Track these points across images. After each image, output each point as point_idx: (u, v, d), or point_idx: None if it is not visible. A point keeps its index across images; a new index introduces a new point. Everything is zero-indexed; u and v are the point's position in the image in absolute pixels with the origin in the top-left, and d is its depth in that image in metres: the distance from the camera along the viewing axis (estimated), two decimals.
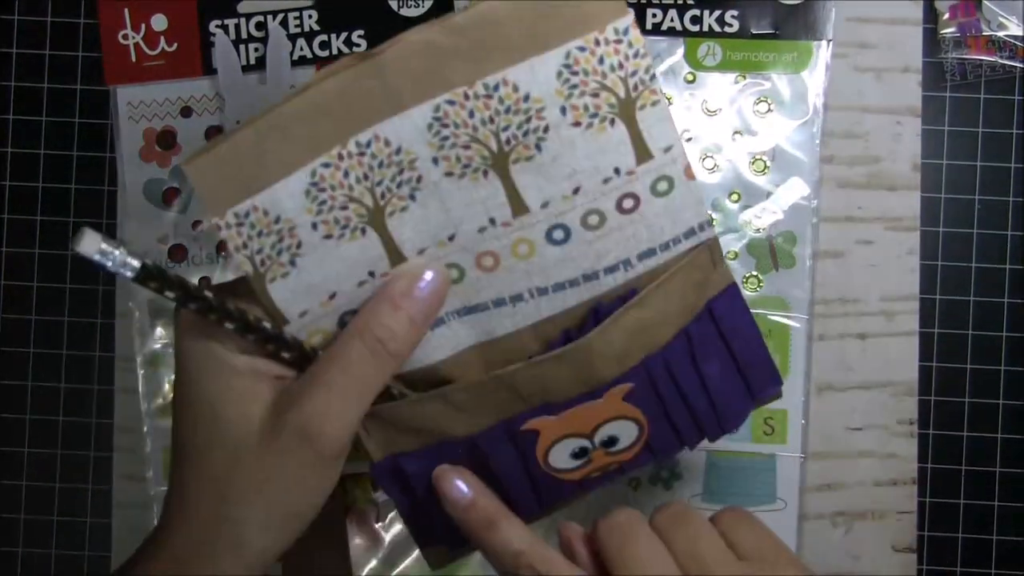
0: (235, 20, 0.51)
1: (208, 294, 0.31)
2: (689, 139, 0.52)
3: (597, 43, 0.31)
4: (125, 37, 0.51)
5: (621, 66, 0.32)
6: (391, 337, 0.32)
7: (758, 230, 0.51)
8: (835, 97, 0.52)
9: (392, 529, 0.51)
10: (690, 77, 0.52)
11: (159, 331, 0.52)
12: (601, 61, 0.32)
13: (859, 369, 0.52)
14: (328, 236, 0.32)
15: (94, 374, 0.53)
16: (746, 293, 0.51)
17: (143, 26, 0.51)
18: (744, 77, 0.51)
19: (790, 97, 0.51)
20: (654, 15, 0.51)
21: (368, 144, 0.32)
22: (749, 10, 0.51)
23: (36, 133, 0.53)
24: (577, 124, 0.32)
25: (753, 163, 0.52)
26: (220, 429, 0.31)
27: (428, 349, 0.35)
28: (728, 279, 0.38)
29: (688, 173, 0.34)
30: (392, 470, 0.37)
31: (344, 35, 0.51)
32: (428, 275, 0.32)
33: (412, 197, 0.33)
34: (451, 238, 0.34)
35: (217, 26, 0.51)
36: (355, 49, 0.51)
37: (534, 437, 0.36)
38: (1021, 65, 0.51)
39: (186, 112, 0.52)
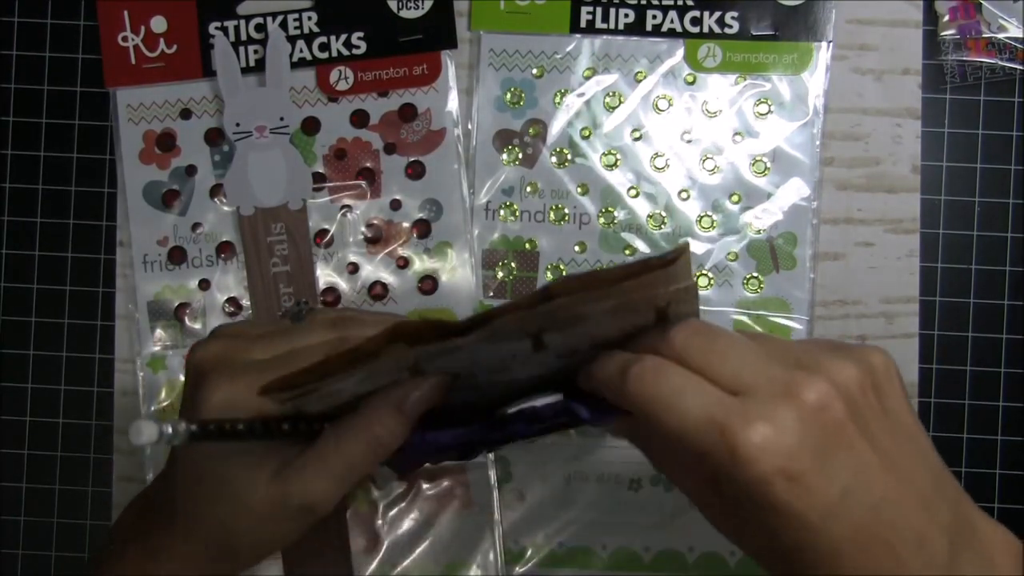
0: (234, 22, 0.51)
1: (240, 426, 0.34)
2: (689, 141, 0.52)
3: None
4: (125, 39, 0.51)
5: (667, 293, 0.32)
6: (389, 436, 0.35)
7: (758, 231, 0.51)
8: (835, 99, 0.52)
9: (392, 530, 0.51)
10: (690, 78, 0.52)
11: (159, 333, 0.52)
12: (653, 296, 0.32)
13: None
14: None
15: (94, 376, 0.53)
16: (747, 295, 0.51)
17: (143, 28, 0.51)
18: (744, 78, 0.51)
19: (790, 99, 0.51)
20: (654, 16, 0.51)
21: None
22: (749, 11, 0.51)
23: (36, 135, 0.53)
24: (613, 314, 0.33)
25: (753, 164, 0.51)
26: (225, 500, 0.37)
27: None
28: None
29: None
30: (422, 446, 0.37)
31: (344, 37, 0.51)
32: (431, 381, 0.35)
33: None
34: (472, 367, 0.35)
35: (216, 28, 0.51)
36: (354, 51, 0.51)
37: None
38: (1021, 67, 0.51)
39: (186, 114, 0.52)
